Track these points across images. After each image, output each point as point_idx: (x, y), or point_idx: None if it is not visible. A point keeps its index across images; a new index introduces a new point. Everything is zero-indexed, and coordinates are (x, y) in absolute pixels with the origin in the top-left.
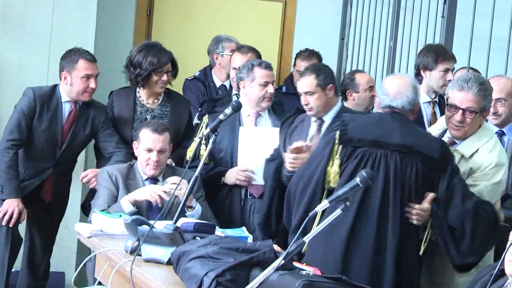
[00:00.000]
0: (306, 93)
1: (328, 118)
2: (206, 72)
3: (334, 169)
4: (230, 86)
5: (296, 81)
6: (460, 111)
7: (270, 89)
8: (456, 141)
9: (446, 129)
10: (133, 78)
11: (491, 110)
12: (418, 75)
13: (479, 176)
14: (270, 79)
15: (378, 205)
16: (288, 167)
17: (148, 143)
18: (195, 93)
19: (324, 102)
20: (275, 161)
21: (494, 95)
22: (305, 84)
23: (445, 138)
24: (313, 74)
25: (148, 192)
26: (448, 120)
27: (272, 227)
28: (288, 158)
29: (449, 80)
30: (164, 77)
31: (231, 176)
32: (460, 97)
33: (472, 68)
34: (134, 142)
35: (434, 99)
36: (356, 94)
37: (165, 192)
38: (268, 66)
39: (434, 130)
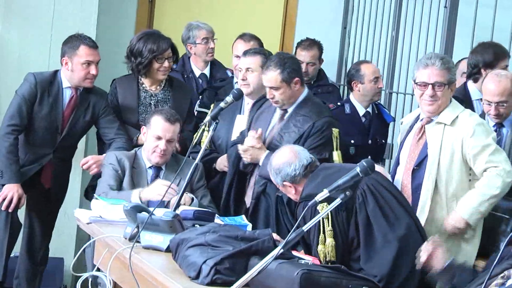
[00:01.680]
0: (271, 87)
1: (291, 109)
2: (185, 61)
3: (328, 242)
4: (211, 74)
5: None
6: (430, 86)
7: (240, 75)
8: (432, 118)
9: (418, 115)
10: (135, 67)
11: (492, 112)
12: (476, 74)
13: (477, 151)
14: (243, 66)
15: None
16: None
17: (158, 131)
18: None
19: (289, 96)
20: (237, 146)
21: (495, 98)
22: (270, 79)
23: (419, 122)
24: (277, 69)
25: (158, 192)
26: (420, 99)
27: (231, 212)
28: (240, 151)
29: None
30: (166, 64)
31: (221, 163)
32: (427, 73)
33: None
34: (143, 126)
35: None
36: (361, 85)
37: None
38: (244, 54)
39: (409, 117)
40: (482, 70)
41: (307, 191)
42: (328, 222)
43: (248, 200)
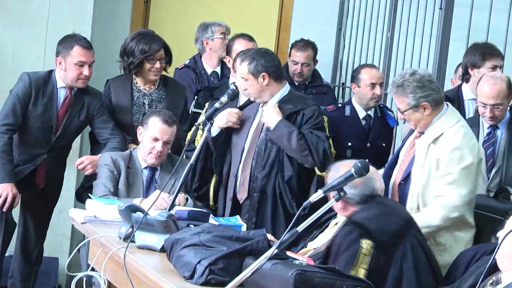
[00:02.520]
0: (242, 78)
1: (273, 102)
2: (196, 60)
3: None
4: (222, 72)
5: (291, 71)
6: (398, 110)
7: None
8: (424, 130)
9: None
10: (126, 66)
11: (488, 114)
12: (466, 74)
13: (444, 169)
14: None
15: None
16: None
17: (156, 133)
18: (187, 82)
19: (258, 89)
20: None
21: (490, 101)
22: (240, 70)
23: (414, 133)
24: (247, 61)
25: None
26: None
27: (193, 183)
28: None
29: None
30: (157, 65)
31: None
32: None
33: None
34: (140, 127)
35: None
36: (358, 89)
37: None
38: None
39: (406, 127)
40: (470, 70)
41: (357, 219)
42: (366, 261)
43: (241, 196)
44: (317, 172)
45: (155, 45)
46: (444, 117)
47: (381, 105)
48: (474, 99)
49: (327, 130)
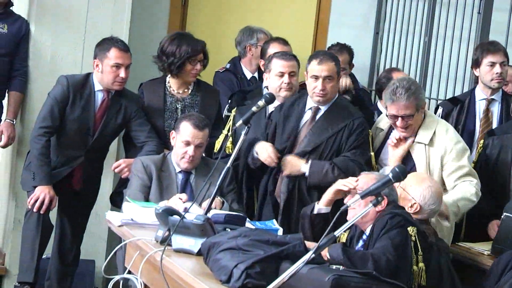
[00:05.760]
0: (327, 77)
1: (324, 108)
2: (236, 63)
3: (420, 266)
4: (259, 77)
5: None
6: (399, 118)
7: (285, 79)
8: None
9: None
10: (166, 67)
11: None
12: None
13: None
14: (286, 70)
15: None
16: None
17: (187, 137)
18: (229, 85)
19: (335, 90)
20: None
21: None
22: (329, 69)
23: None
24: (333, 61)
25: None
26: (394, 124)
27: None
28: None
29: (497, 73)
30: (198, 66)
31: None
32: (395, 108)
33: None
34: (172, 131)
35: (491, 97)
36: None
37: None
38: (284, 57)
39: (385, 123)
40: (474, 70)
41: (398, 212)
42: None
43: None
44: None
45: (198, 46)
46: (426, 120)
47: None
48: (485, 99)
49: (370, 145)
